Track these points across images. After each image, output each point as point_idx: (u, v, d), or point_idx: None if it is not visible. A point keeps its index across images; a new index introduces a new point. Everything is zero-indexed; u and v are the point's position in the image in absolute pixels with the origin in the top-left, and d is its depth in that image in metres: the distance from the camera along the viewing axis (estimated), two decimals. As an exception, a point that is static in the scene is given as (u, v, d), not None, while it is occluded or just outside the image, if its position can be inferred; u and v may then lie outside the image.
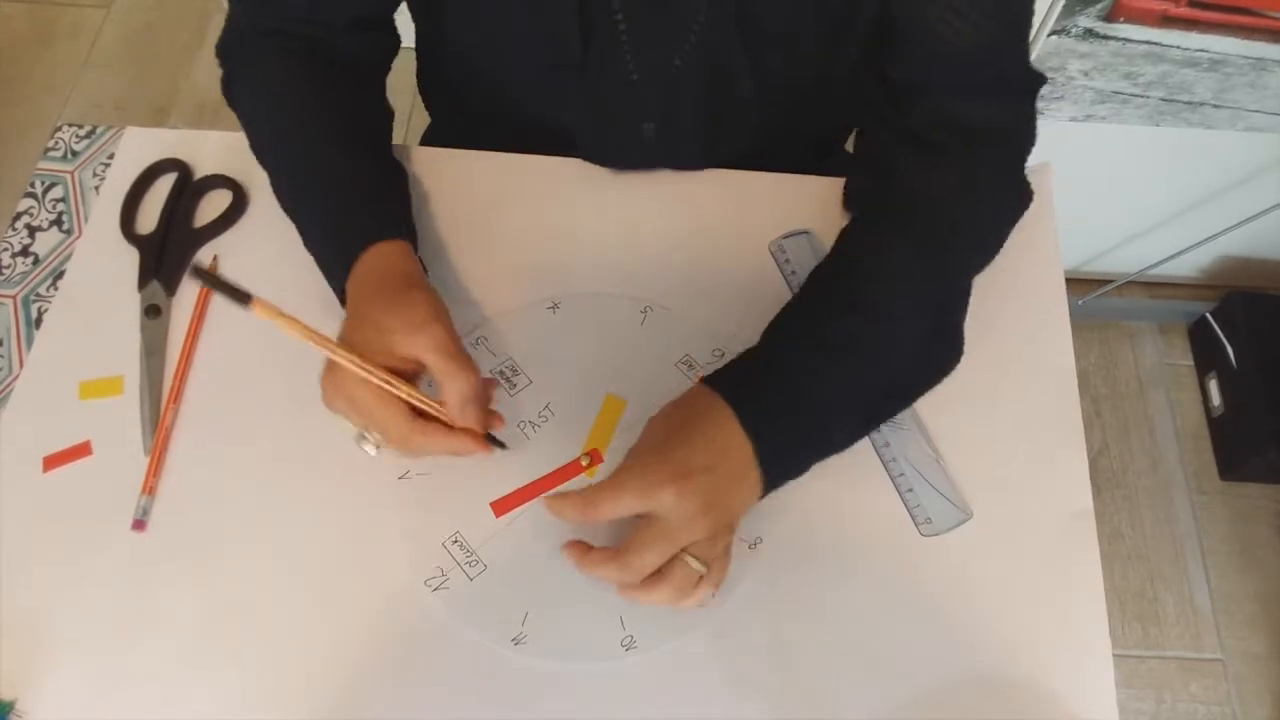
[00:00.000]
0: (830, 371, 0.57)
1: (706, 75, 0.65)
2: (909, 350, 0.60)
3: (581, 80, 0.66)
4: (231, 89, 0.67)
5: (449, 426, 0.55)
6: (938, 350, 0.62)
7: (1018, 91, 0.64)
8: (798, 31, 0.64)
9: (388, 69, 0.72)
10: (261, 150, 0.66)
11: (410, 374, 0.54)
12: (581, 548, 0.55)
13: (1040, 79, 0.64)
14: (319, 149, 0.63)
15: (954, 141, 0.63)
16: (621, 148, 0.71)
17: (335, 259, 0.59)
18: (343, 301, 0.59)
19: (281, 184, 0.65)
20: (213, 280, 0.42)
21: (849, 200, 0.70)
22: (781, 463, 0.55)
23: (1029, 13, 0.62)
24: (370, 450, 0.54)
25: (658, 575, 0.52)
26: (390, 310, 0.54)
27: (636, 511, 0.52)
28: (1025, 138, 0.65)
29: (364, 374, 0.50)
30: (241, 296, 0.43)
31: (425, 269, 0.61)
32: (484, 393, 0.56)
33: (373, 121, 0.69)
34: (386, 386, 0.50)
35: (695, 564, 0.52)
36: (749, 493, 0.55)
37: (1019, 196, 0.66)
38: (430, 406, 0.53)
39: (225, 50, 0.68)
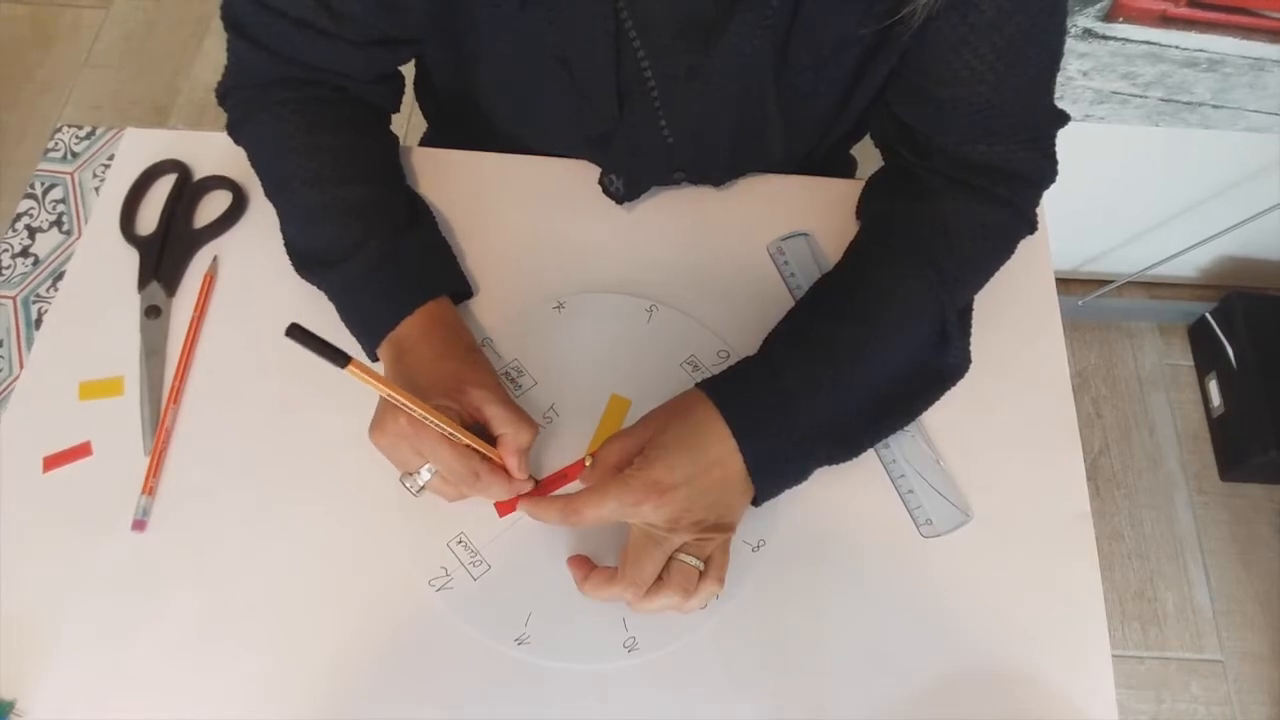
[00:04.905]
0: (828, 380, 0.57)
1: (738, 128, 0.65)
2: (909, 363, 0.60)
3: (614, 144, 0.67)
4: (242, 130, 0.66)
5: (506, 473, 0.56)
6: (938, 363, 0.62)
7: (1041, 134, 0.63)
8: (830, 85, 0.63)
9: (397, 109, 0.71)
10: (284, 196, 0.64)
11: (464, 423, 0.56)
12: (583, 569, 0.56)
13: (1064, 118, 0.63)
14: (361, 196, 0.62)
15: (974, 177, 0.63)
16: (646, 188, 0.71)
17: (385, 312, 0.59)
18: (372, 347, 0.60)
19: (311, 233, 0.63)
20: (311, 340, 0.44)
21: (861, 214, 0.70)
22: (773, 471, 0.56)
23: (1057, 61, 0.60)
24: (412, 489, 0.55)
25: (658, 581, 0.53)
26: (462, 366, 0.57)
27: (618, 519, 0.53)
28: (1045, 176, 0.65)
29: (440, 426, 0.52)
30: (340, 358, 0.45)
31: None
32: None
33: (395, 162, 0.69)
34: (460, 437, 0.53)
35: (691, 560, 0.53)
36: (738, 499, 0.55)
37: (1030, 228, 0.66)
38: (492, 453, 0.56)
39: (228, 95, 0.65)
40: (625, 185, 0.69)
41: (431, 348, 0.58)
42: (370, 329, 0.60)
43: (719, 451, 0.54)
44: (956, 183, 0.63)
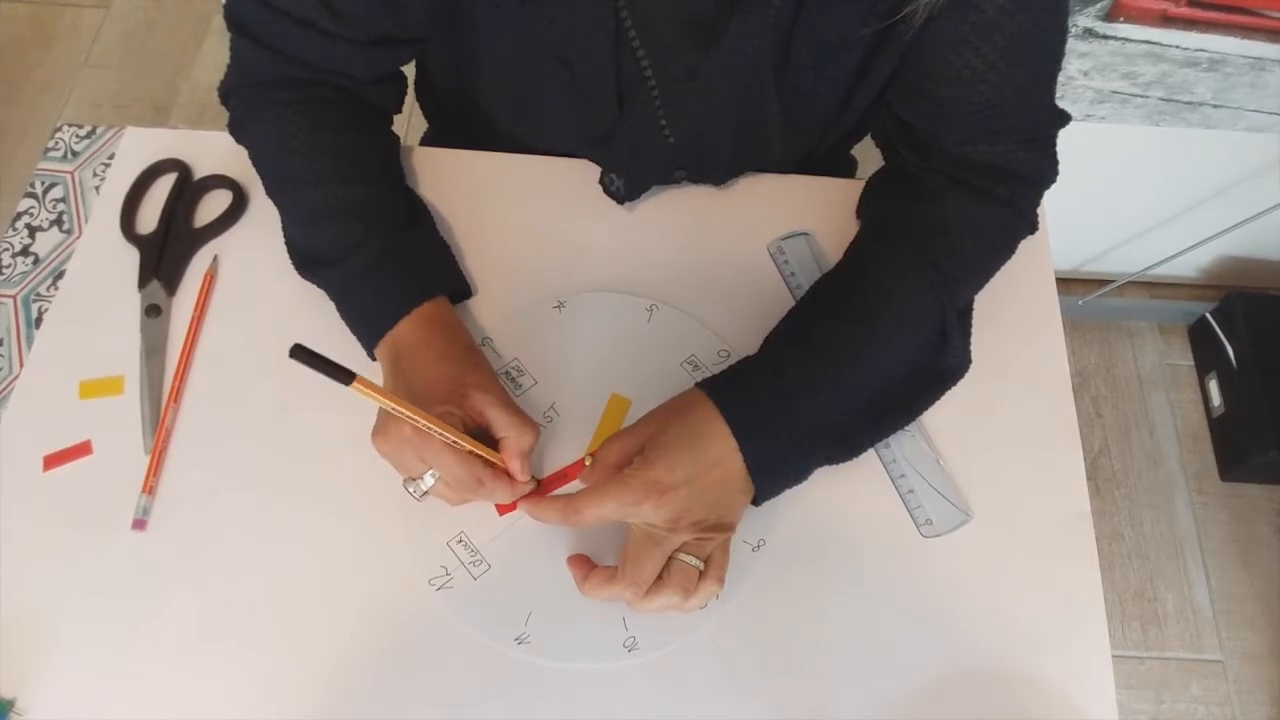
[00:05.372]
0: (828, 380, 0.57)
1: (739, 128, 0.65)
2: (909, 363, 0.60)
3: (615, 143, 0.66)
4: (244, 129, 0.66)
5: (509, 477, 0.56)
6: (938, 363, 0.62)
7: (1042, 134, 0.63)
8: (831, 84, 0.63)
9: (399, 109, 0.71)
10: (286, 195, 0.64)
11: (466, 426, 0.55)
12: (583, 569, 0.56)
13: (1065, 118, 0.63)
14: (362, 196, 0.62)
15: (974, 177, 0.63)
16: (647, 187, 0.71)
17: (384, 312, 0.59)
18: (371, 347, 0.60)
19: (312, 233, 0.63)
20: (315, 360, 0.44)
21: (861, 213, 0.70)
22: (773, 471, 0.56)
23: (1058, 61, 0.60)
24: (416, 494, 0.55)
25: (658, 581, 0.53)
26: (463, 368, 0.57)
27: (618, 519, 0.53)
28: (1045, 176, 0.65)
29: (443, 435, 0.52)
30: (345, 375, 0.45)
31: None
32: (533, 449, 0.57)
33: (395, 163, 0.69)
34: (463, 443, 0.53)
35: (691, 560, 0.53)
36: (738, 498, 0.55)
37: (1030, 229, 0.66)
38: (495, 458, 0.56)
39: (231, 94, 0.65)
40: (626, 185, 0.69)
41: (432, 349, 0.58)
42: (369, 329, 0.60)
43: (719, 451, 0.54)
44: (957, 183, 0.63)
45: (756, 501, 0.56)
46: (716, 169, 0.70)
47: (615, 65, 0.60)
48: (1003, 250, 0.65)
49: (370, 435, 0.55)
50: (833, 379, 0.57)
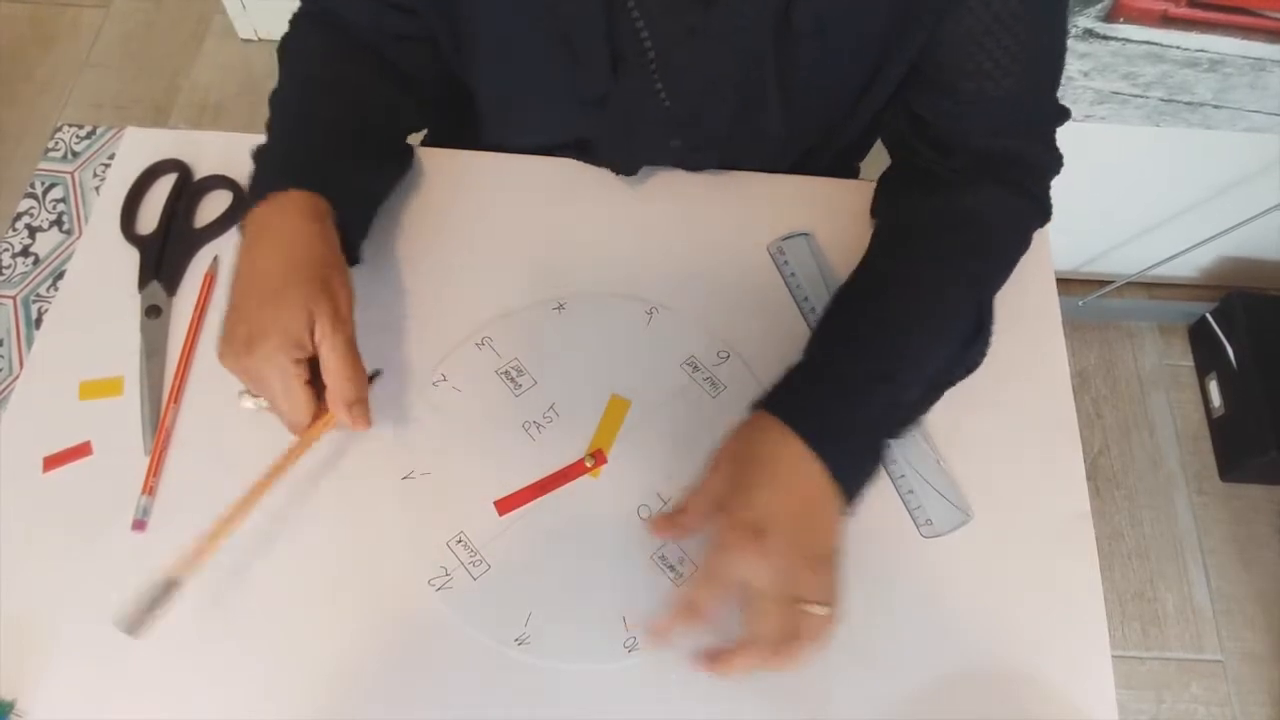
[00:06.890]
0: (883, 390, 0.56)
1: (736, 96, 0.65)
2: (947, 358, 0.60)
3: (610, 107, 0.66)
4: (285, 46, 0.67)
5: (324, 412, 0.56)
6: (968, 354, 0.61)
7: (1046, 127, 0.65)
8: (835, 57, 0.63)
9: (428, 122, 0.72)
10: (277, 95, 0.65)
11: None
12: (719, 663, 0.52)
13: (1066, 113, 0.65)
14: (332, 102, 0.63)
15: (986, 170, 0.63)
16: (642, 157, 0.71)
17: (285, 175, 0.58)
18: (259, 195, 0.58)
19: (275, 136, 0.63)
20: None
21: (878, 211, 0.70)
22: (853, 478, 0.54)
23: (1062, 57, 0.62)
24: (250, 407, 0.57)
25: (790, 637, 0.50)
26: (330, 270, 0.55)
27: (734, 583, 0.50)
28: (1052, 164, 0.66)
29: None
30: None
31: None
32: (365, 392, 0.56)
33: (396, 131, 0.69)
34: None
35: (820, 610, 0.50)
36: (831, 517, 0.53)
37: (1045, 217, 0.66)
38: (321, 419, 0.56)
39: (295, 20, 0.68)
40: (624, 155, 0.69)
41: (318, 224, 0.57)
42: (267, 181, 0.58)
43: (805, 472, 0.52)
44: (978, 176, 0.63)
45: (844, 511, 0.54)
46: (713, 142, 0.70)
47: (607, 25, 0.60)
48: (1023, 242, 0.66)
49: (215, 347, 0.55)
50: (885, 386, 0.56)
